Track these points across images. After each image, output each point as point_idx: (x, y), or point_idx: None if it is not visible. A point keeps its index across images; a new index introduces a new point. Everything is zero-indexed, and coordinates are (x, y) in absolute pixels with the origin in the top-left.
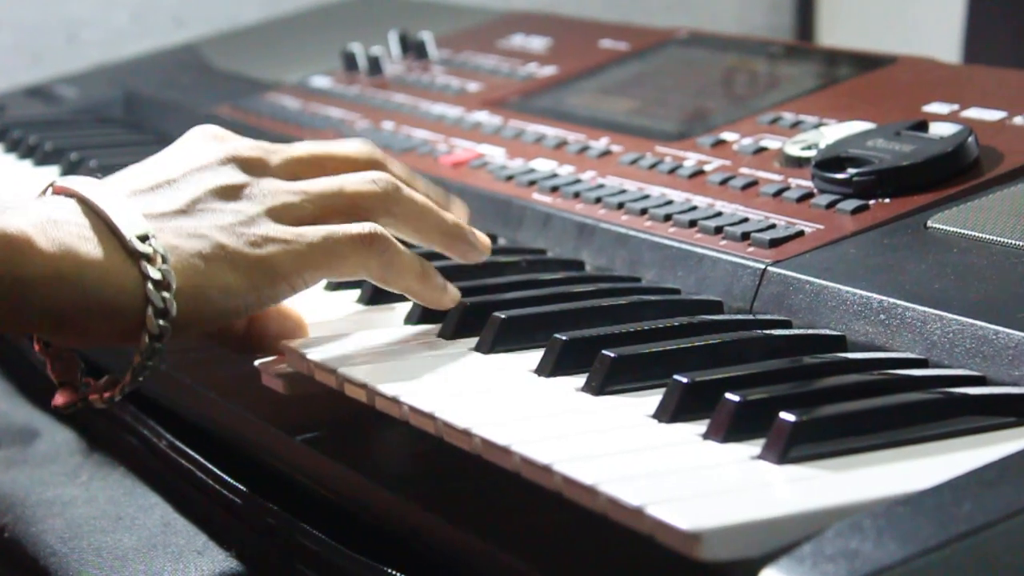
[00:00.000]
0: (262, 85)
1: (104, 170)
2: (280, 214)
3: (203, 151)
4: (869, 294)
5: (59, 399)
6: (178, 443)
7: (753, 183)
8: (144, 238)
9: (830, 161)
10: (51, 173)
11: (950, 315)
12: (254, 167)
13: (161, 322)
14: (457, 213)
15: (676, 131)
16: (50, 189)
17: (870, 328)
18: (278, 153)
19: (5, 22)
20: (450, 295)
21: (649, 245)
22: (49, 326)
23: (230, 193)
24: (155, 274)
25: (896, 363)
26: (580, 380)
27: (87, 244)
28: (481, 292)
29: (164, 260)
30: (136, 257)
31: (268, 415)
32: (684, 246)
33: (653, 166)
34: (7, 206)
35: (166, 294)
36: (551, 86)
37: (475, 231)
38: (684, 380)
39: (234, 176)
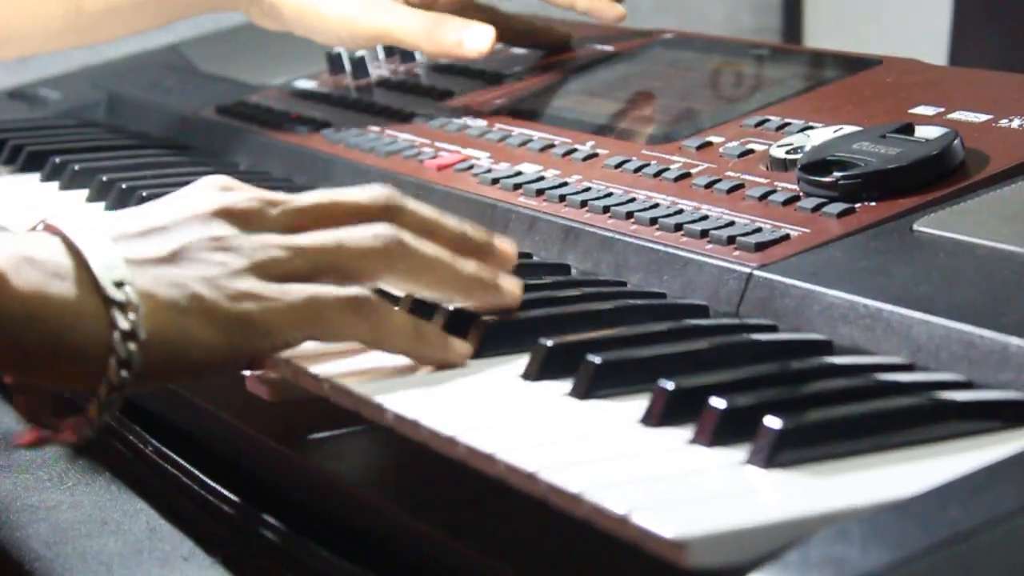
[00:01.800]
0: (247, 87)
1: (86, 174)
2: (266, 269)
3: (200, 201)
4: (855, 298)
5: (26, 437)
6: (164, 449)
7: (739, 186)
8: (120, 284)
9: (816, 164)
10: (33, 177)
11: (936, 319)
12: (249, 220)
13: (123, 373)
14: (502, 253)
15: (662, 134)
16: (41, 225)
17: (856, 332)
18: (279, 206)
19: None
20: (455, 352)
21: (635, 249)
22: (15, 365)
23: (217, 245)
24: (124, 324)
25: (882, 367)
26: (566, 385)
27: (60, 285)
28: None
29: (136, 310)
30: (108, 304)
31: (254, 422)
32: (670, 250)
33: (639, 169)
34: None
35: (132, 345)
36: (537, 89)
37: (501, 277)
38: (670, 385)
39: (224, 228)
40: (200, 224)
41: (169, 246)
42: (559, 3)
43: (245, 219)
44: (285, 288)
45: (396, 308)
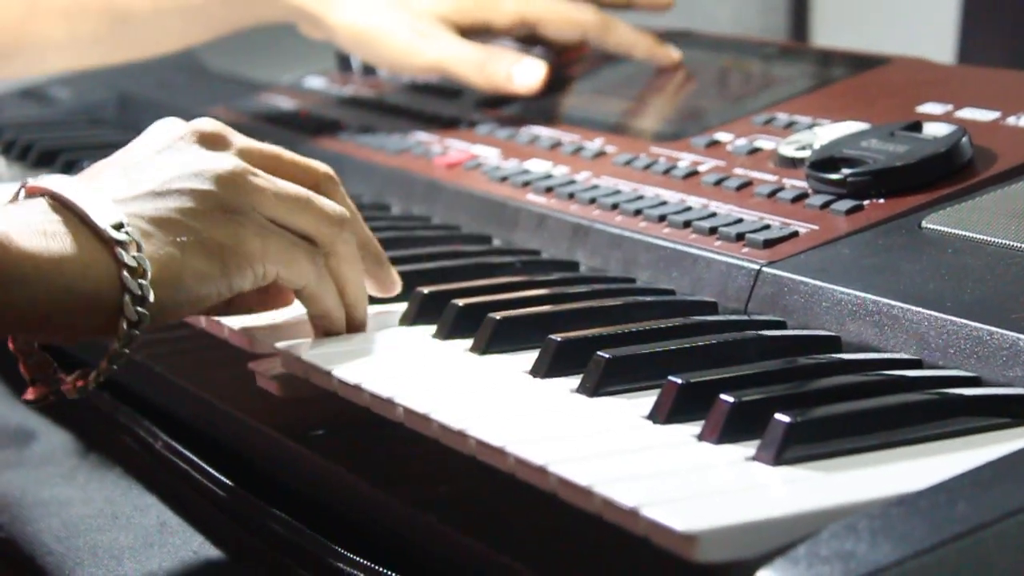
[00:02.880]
0: (256, 86)
1: None
2: (246, 200)
3: (166, 132)
4: (863, 295)
5: (30, 394)
6: (174, 444)
7: (747, 184)
8: (118, 226)
9: (824, 161)
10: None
11: (944, 316)
12: (216, 143)
13: (139, 309)
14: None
15: (670, 132)
16: (22, 190)
17: (864, 329)
18: (240, 137)
19: None
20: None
21: (644, 246)
22: (32, 325)
23: (194, 172)
24: (130, 261)
25: (890, 364)
26: (575, 381)
27: (62, 241)
28: (476, 293)
29: (139, 247)
30: (111, 245)
31: (263, 417)
32: (679, 247)
33: (647, 167)
34: None
35: (142, 281)
36: (545, 87)
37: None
38: (679, 381)
39: (198, 154)
40: (174, 153)
41: (150, 181)
42: (620, 51)
43: (212, 142)
44: (265, 225)
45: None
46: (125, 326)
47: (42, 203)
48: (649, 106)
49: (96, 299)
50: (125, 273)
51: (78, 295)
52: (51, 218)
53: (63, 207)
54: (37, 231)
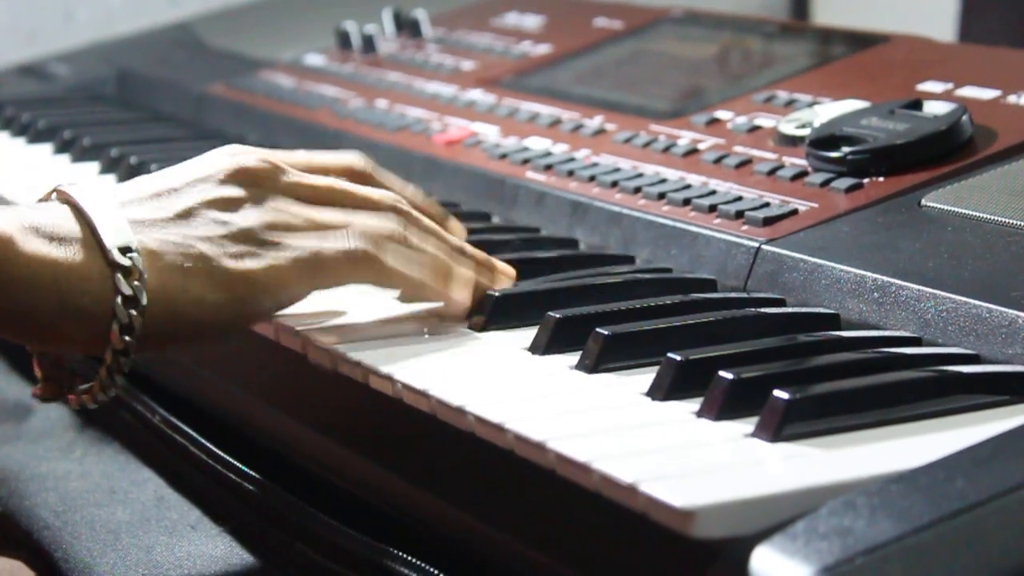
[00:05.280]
0: (256, 63)
1: (96, 148)
2: (273, 236)
3: (212, 163)
4: (863, 272)
5: (38, 390)
6: (172, 418)
7: (747, 161)
8: (126, 250)
9: (824, 139)
10: (44, 151)
11: (944, 293)
12: (261, 182)
13: (127, 338)
14: (502, 270)
15: (670, 109)
16: (53, 193)
17: (864, 306)
18: (291, 174)
19: (1, 1)
20: (453, 304)
21: (643, 224)
22: (25, 330)
23: (226, 205)
24: (126, 289)
25: (890, 341)
26: (574, 358)
27: (67, 250)
28: None
29: (140, 276)
30: (113, 268)
31: (261, 392)
32: (678, 224)
33: (647, 144)
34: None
35: (133, 311)
36: (545, 65)
37: (494, 263)
38: (678, 358)
39: (234, 190)
40: (211, 185)
41: (177, 207)
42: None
43: (255, 180)
44: (286, 242)
45: (397, 262)
46: (111, 353)
47: (63, 210)
48: (649, 84)
49: (89, 315)
50: (118, 300)
51: (69, 308)
52: (65, 227)
53: (80, 219)
54: (45, 236)
